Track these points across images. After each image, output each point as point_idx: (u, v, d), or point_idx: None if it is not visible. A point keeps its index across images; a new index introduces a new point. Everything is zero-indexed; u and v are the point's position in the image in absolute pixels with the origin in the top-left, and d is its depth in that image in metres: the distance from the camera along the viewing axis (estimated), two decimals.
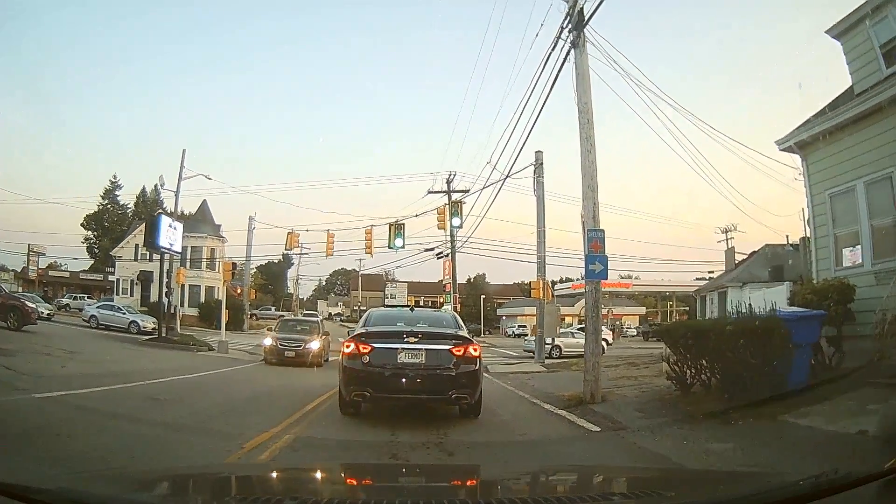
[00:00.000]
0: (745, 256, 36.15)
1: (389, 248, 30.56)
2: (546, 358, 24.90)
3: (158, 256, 52.61)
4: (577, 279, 76.42)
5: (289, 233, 41.12)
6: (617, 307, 63.20)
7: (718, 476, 3.78)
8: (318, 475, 3.29)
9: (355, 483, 3.11)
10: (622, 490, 2.81)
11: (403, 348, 8.22)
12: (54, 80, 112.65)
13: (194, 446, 7.04)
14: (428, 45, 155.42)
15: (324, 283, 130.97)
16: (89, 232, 77.29)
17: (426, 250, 43.20)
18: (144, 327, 34.06)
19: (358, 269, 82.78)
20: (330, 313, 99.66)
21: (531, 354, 31.33)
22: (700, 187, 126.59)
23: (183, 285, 52.06)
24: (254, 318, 68.52)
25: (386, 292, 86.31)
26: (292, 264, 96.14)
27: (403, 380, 8.19)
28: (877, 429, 6.31)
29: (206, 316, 48.07)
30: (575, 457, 7.33)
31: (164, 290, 33.51)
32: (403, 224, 30.67)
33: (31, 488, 2.03)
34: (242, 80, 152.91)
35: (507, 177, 25.76)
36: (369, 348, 8.27)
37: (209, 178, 37.78)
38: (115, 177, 78.05)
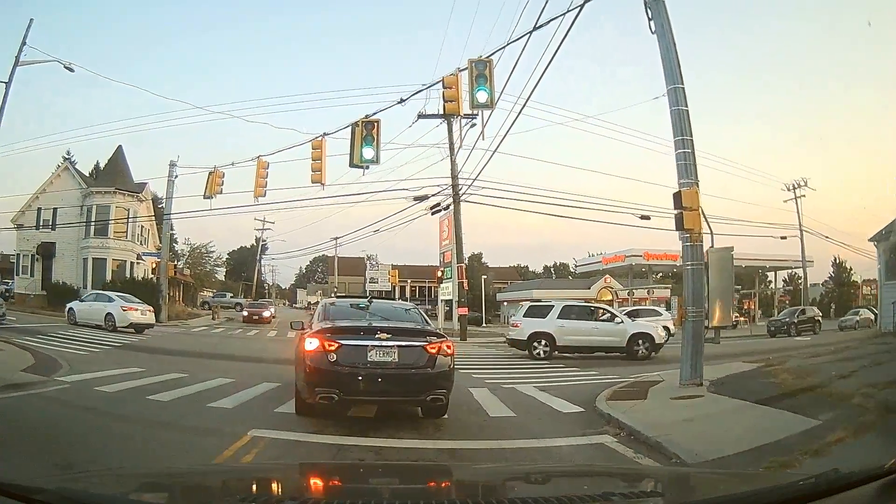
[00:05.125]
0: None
1: (352, 165, 15.83)
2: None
3: (55, 223, 38.46)
4: (592, 255, 62.03)
5: (210, 173, 26.31)
6: (642, 288, 48.66)
7: (718, 476, 3.30)
8: (320, 475, 3.09)
9: (355, 483, 2.83)
10: (622, 490, 2.48)
11: (374, 345, 7.05)
12: None
13: None
14: None
15: (304, 271, 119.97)
16: None
17: (416, 199, 28.53)
18: None
19: (335, 247, 67.74)
20: (308, 302, 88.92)
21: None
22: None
23: (86, 259, 37.04)
24: (205, 306, 54.38)
25: (367, 276, 71.56)
26: (266, 248, 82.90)
27: (376, 380, 7.06)
28: None
29: None
30: None
31: None
32: (377, 123, 15.87)
33: (30, 488, 1.91)
34: None
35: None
36: (336, 345, 7.01)
37: (71, 70, 22.76)
38: (68, 152, 59.12)
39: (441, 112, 26.77)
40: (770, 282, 61.75)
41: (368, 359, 7.00)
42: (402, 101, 15.90)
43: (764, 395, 8.46)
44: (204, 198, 26.30)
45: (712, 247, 10.34)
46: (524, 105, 15.99)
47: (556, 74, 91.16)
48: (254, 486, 2.48)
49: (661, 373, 12.55)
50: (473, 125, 25.91)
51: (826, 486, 1.83)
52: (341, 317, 8.13)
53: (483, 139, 16.69)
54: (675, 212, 9.69)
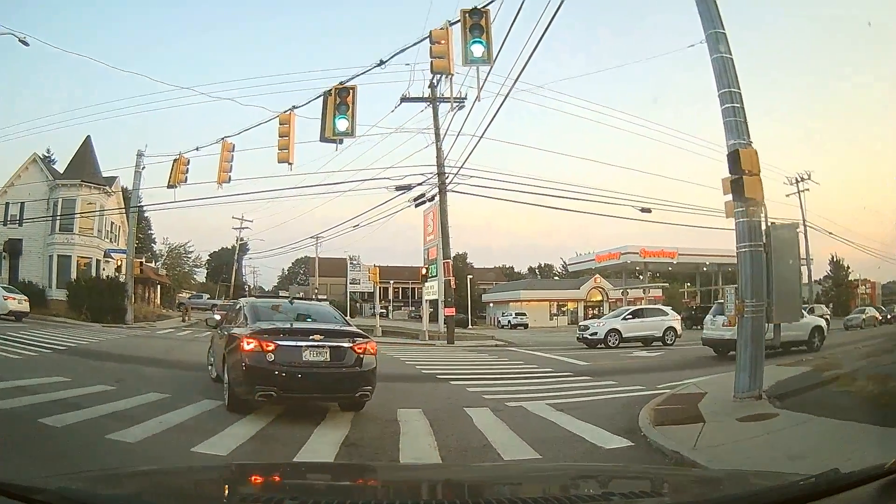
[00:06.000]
0: None
1: (323, 139, 13.59)
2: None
3: (22, 218, 35.54)
4: (580, 255, 59.87)
5: (174, 160, 23.91)
6: (636, 288, 46.64)
7: (718, 476, 3.17)
8: (322, 473, 3.15)
9: (357, 482, 2.84)
10: (622, 490, 2.40)
11: (308, 346, 7.39)
12: None
13: None
14: None
15: (286, 273, 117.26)
16: None
17: (398, 188, 26.20)
18: None
19: (316, 246, 64.81)
20: None
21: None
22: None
23: (51, 256, 34.24)
24: (180, 307, 51.51)
25: (349, 277, 68.98)
26: (248, 249, 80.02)
27: (310, 379, 7.39)
28: None
29: (76, 300, 30.26)
30: None
31: None
32: (353, 90, 13.59)
33: (30, 488, 1.86)
34: None
35: None
36: (273, 346, 7.26)
37: (26, 44, 20.69)
38: (48, 150, 53.56)
39: (427, 90, 24.68)
40: None
41: (303, 358, 7.30)
42: (381, 62, 13.65)
43: (858, 410, 6.44)
44: (168, 187, 23.92)
45: (772, 223, 8.13)
46: (524, 68, 13.71)
47: (553, 66, 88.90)
48: (255, 485, 2.43)
49: (695, 381, 10.38)
50: (462, 107, 23.67)
51: (826, 486, 1.78)
52: (269, 317, 8.34)
53: (479, 101, 14.30)
54: (732, 177, 7.45)
